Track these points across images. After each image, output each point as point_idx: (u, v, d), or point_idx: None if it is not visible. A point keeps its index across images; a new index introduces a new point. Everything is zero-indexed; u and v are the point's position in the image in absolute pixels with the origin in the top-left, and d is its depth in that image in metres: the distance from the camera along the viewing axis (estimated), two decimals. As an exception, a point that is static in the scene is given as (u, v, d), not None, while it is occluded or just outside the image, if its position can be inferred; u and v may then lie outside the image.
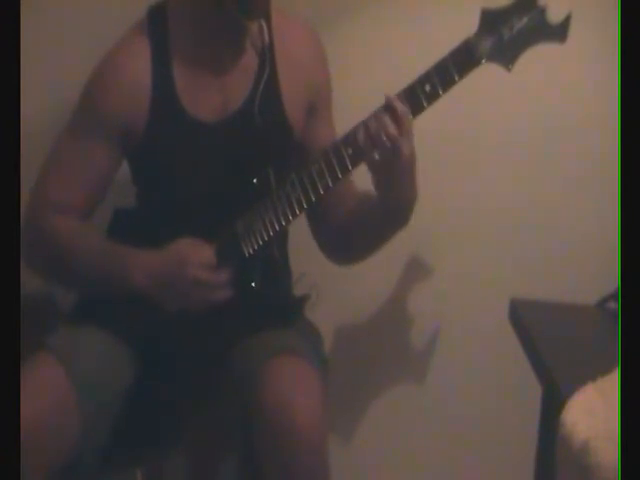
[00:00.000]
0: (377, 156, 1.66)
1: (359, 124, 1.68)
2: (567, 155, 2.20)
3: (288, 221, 1.74)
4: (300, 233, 1.94)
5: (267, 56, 1.82)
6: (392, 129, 1.64)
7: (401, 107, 1.64)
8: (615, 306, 1.82)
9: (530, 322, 1.77)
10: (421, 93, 1.65)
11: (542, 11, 1.64)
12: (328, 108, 1.94)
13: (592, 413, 1.19)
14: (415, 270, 2.26)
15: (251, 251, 1.75)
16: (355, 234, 1.88)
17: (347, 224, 1.89)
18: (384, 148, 1.65)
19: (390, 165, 1.67)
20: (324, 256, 1.97)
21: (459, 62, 1.64)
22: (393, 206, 1.75)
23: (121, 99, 1.78)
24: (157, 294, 1.74)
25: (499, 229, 2.23)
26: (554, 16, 1.63)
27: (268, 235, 1.75)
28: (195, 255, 1.72)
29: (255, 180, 1.77)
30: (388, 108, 1.65)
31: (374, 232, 1.85)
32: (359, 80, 2.16)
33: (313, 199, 1.72)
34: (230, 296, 1.73)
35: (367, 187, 1.85)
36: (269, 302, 1.83)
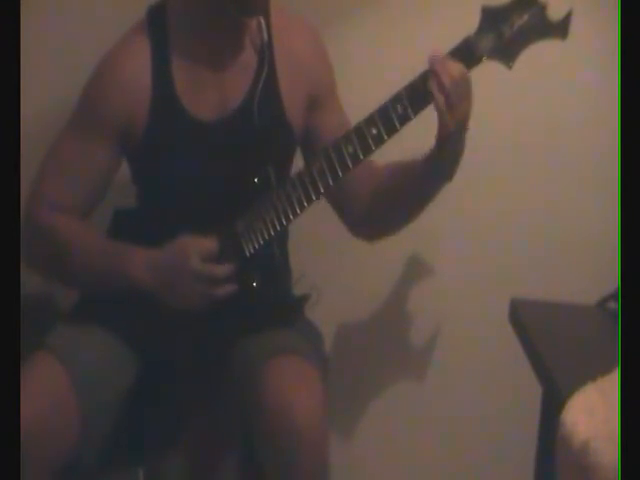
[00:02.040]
0: (443, 101, 1.65)
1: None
2: (567, 155, 2.20)
3: (289, 220, 1.74)
4: (300, 233, 1.93)
5: (266, 54, 1.82)
6: (459, 71, 1.64)
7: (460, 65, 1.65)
8: (615, 306, 1.82)
9: (530, 322, 1.77)
10: (422, 90, 1.65)
11: (543, 8, 1.64)
12: (333, 98, 1.93)
13: (592, 413, 1.19)
14: (415, 270, 2.26)
15: (252, 250, 1.75)
16: (387, 209, 1.87)
17: (376, 204, 1.87)
18: (452, 95, 1.64)
19: (456, 113, 1.66)
20: (354, 236, 1.96)
21: (460, 59, 1.65)
22: (447, 157, 1.74)
23: (121, 99, 1.78)
24: (158, 290, 1.73)
25: (499, 229, 2.23)
26: (555, 13, 1.63)
27: (269, 234, 1.75)
28: (196, 248, 1.71)
29: (256, 179, 1.77)
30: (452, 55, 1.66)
31: (413, 198, 1.83)
32: (360, 79, 2.16)
33: (314, 198, 1.72)
34: (232, 292, 1.73)
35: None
36: (269, 302, 1.83)
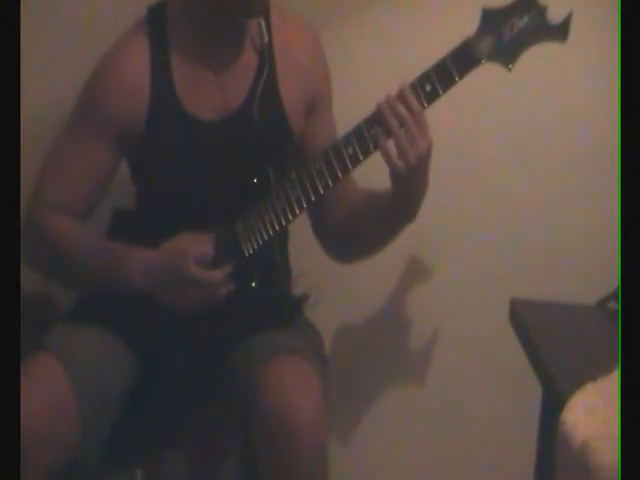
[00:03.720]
0: (394, 147, 1.66)
1: (368, 117, 1.68)
2: (566, 155, 2.20)
3: (288, 221, 1.74)
4: (300, 233, 1.94)
5: (266, 55, 1.82)
6: (408, 119, 1.64)
7: (414, 101, 1.65)
8: (615, 306, 1.82)
9: (530, 322, 1.77)
10: (421, 93, 1.66)
11: (543, 11, 1.64)
12: (328, 107, 1.94)
13: (592, 413, 1.19)
14: (415, 270, 2.26)
15: (251, 251, 1.75)
16: (358, 233, 1.88)
17: (349, 224, 1.89)
18: (400, 138, 1.65)
19: (407, 156, 1.66)
20: (326, 254, 1.97)
21: (459, 62, 1.65)
22: (404, 199, 1.75)
23: (120, 99, 1.78)
24: (156, 290, 1.73)
25: (499, 229, 2.23)
26: (555, 16, 1.63)
27: (268, 235, 1.75)
28: (193, 250, 1.71)
29: (255, 180, 1.77)
30: (401, 98, 1.65)
31: (379, 229, 1.84)
32: (359, 79, 2.16)
33: (313, 199, 1.72)
34: (230, 293, 1.73)
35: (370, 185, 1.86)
36: (269, 302, 1.83)
